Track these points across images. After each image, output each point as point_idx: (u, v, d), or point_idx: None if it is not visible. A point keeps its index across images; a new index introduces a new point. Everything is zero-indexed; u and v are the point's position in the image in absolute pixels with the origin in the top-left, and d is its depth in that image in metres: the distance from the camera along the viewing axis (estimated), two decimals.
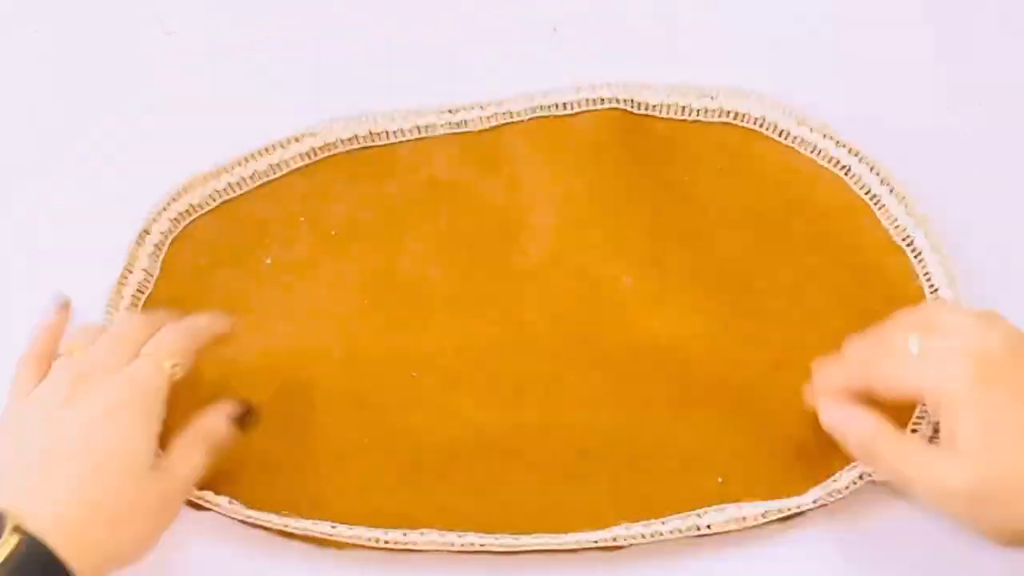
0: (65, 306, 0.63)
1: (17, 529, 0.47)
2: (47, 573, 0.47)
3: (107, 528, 0.51)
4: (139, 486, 0.53)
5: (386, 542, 0.60)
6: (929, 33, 0.79)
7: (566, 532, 0.61)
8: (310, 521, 0.61)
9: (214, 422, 0.60)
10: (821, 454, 0.62)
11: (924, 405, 0.62)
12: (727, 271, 0.70)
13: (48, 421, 0.54)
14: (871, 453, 0.57)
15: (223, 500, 0.61)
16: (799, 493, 0.61)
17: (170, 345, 0.59)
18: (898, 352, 0.57)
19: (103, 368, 0.57)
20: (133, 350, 0.58)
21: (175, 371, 0.58)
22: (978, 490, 0.52)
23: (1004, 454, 0.52)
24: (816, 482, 0.62)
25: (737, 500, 0.61)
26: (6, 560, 0.46)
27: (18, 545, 0.46)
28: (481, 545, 0.60)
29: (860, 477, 0.61)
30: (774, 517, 0.61)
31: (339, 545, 0.60)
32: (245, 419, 0.61)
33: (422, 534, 0.60)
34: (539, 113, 0.75)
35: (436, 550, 0.60)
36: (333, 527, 0.61)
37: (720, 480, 0.63)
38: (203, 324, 0.63)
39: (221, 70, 0.78)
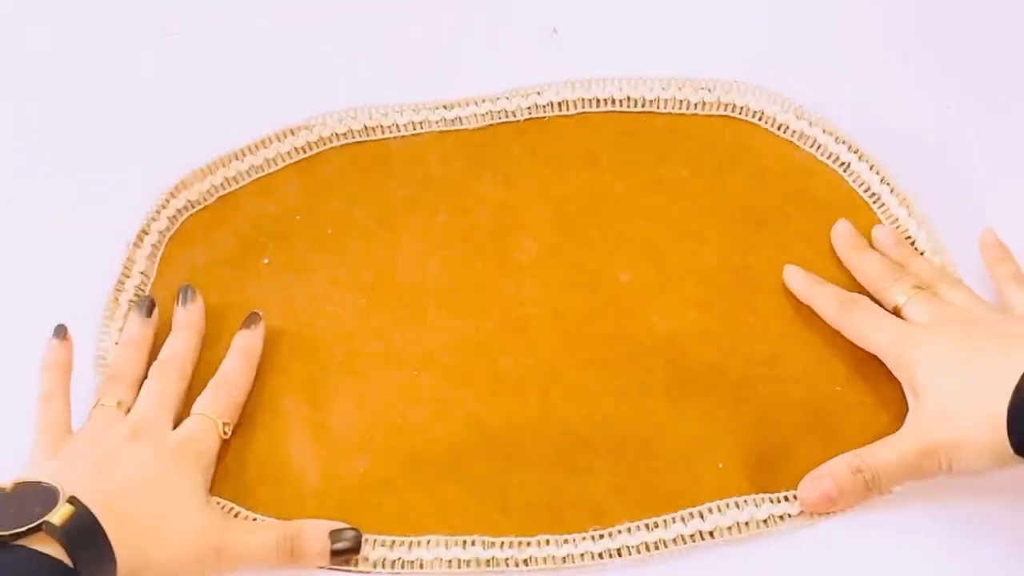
0: (63, 336, 0.65)
1: (71, 500, 0.52)
2: (93, 542, 0.51)
3: (146, 535, 0.55)
4: (186, 514, 0.57)
5: (393, 563, 0.61)
6: (931, 31, 0.79)
7: (570, 531, 0.61)
8: None
9: (313, 535, 0.59)
10: (819, 444, 0.63)
11: None
12: (725, 264, 0.70)
13: (107, 446, 0.59)
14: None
15: (226, 505, 0.61)
16: (798, 483, 0.62)
17: (222, 406, 0.63)
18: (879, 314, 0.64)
19: (157, 425, 0.61)
20: (178, 401, 0.63)
21: (226, 430, 0.62)
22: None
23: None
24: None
25: (738, 487, 0.62)
26: (63, 523, 0.50)
27: (72, 514, 0.51)
28: (487, 561, 0.61)
29: None
30: (776, 523, 0.61)
31: (346, 569, 0.61)
32: (344, 551, 0.59)
33: (428, 546, 0.60)
34: (534, 114, 0.75)
35: (441, 568, 0.61)
36: None
37: (720, 466, 0.63)
38: (240, 378, 0.65)
39: (220, 69, 0.78)
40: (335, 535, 0.59)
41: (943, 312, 0.63)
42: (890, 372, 0.65)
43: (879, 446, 0.60)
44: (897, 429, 0.63)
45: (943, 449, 0.58)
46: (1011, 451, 0.55)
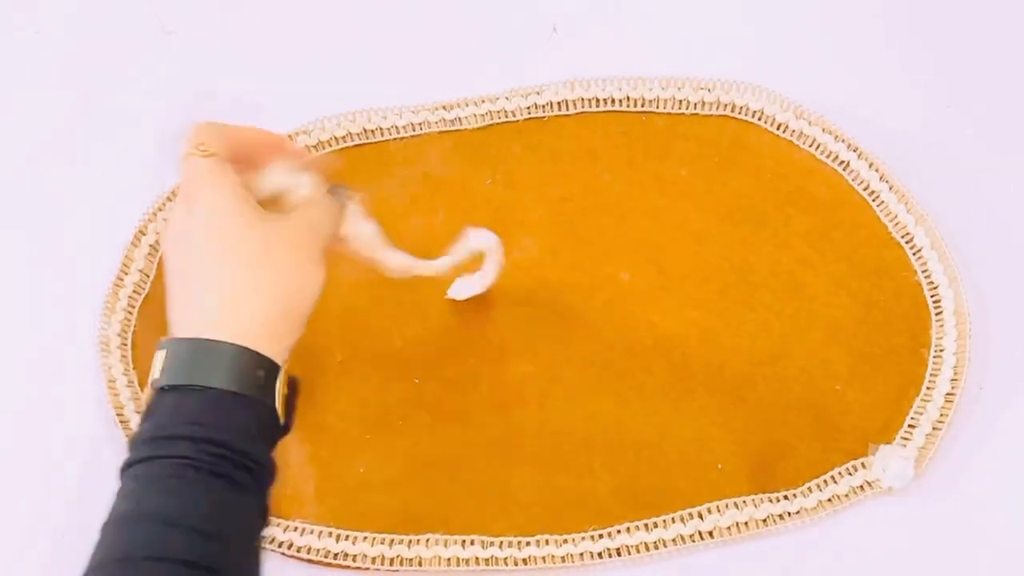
0: None
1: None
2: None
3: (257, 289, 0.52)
4: (265, 227, 0.53)
5: (391, 561, 0.61)
6: (929, 31, 0.78)
7: (569, 531, 0.61)
8: (315, 535, 0.61)
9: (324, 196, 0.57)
10: (818, 443, 0.63)
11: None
12: (724, 264, 0.70)
13: None
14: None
15: None
16: (797, 482, 0.62)
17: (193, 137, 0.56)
18: None
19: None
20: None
21: (204, 149, 0.55)
22: None
23: None
24: (814, 470, 0.63)
25: (738, 488, 0.62)
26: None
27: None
28: (486, 560, 0.61)
29: (861, 487, 0.62)
30: (776, 522, 0.61)
31: (344, 567, 0.61)
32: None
33: (427, 544, 0.61)
34: (534, 114, 0.75)
35: (440, 567, 0.61)
36: (337, 541, 0.61)
37: (720, 467, 0.63)
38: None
39: (220, 70, 0.78)
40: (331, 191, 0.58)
41: None
42: (889, 372, 0.65)
43: None
44: (895, 427, 0.64)
45: None
46: None
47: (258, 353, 0.50)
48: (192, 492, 0.47)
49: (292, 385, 0.53)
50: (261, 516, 0.50)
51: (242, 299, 0.51)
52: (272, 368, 0.51)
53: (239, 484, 0.48)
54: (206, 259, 0.52)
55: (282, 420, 0.52)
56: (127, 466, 0.48)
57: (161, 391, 0.50)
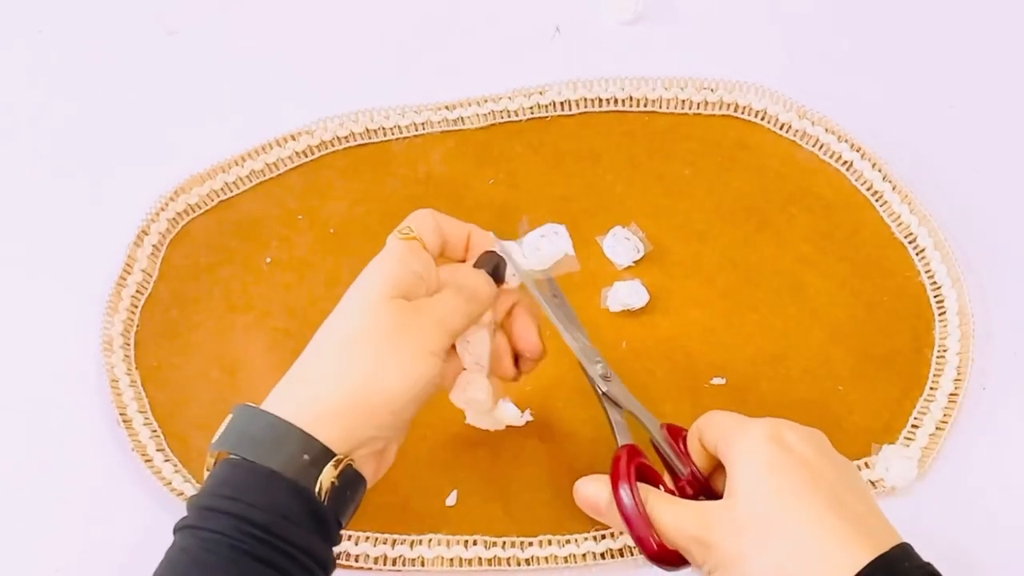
0: None
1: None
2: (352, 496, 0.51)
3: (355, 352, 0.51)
4: (375, 315, 0.52)
5: (393, 561, 0.61)
6: (932, 31, 0.78)
7: (572, 532, 0.61)
8: None
9: (468, 274, 0.56)
10: None
11: None
12: (727, 263, 0.70)
13: None
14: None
15: None
16: None
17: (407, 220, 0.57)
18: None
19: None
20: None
21: (406, 232, 0.56)
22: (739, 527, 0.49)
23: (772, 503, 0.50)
24: None
25: None
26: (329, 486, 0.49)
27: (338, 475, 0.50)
28: (489, 560, 0.61)
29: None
30: None
31: (347, 567, 0.61)
32: (496, 266, 0.57)
33: (429, 544, 0.61)
34: (536, 113, 0.75)
35: (443, 567, 0.61)
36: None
37: None
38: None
39: (221, 70, 0.78)
40: (479, 261, 0.57)
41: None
42: (892, 373, 0.65)
43: (669, 501, 0.53)
44: (898, 428, 0.64)
45: (720, 558, 0.50)
46: None
47: (306, 434, 0.49)
48: (222, 570, 0.46)
49: (350, 480, 0.50)
50: None
51: (312, 379, 0.51)
52: (322, 454, 0.49)
53: (277, 568, 0.47)
54: (318, 331, 0.53)
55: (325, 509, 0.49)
56: (178, 528, 0.48)
57: (223, 458, 0.49)
